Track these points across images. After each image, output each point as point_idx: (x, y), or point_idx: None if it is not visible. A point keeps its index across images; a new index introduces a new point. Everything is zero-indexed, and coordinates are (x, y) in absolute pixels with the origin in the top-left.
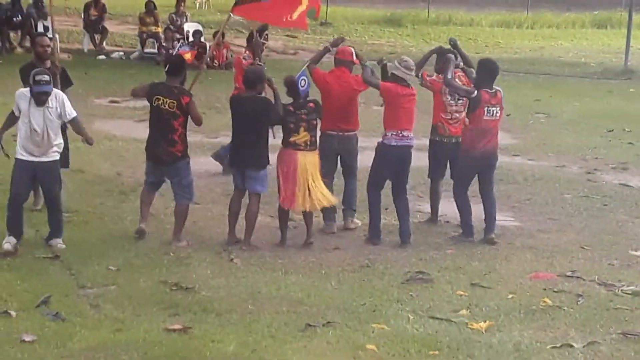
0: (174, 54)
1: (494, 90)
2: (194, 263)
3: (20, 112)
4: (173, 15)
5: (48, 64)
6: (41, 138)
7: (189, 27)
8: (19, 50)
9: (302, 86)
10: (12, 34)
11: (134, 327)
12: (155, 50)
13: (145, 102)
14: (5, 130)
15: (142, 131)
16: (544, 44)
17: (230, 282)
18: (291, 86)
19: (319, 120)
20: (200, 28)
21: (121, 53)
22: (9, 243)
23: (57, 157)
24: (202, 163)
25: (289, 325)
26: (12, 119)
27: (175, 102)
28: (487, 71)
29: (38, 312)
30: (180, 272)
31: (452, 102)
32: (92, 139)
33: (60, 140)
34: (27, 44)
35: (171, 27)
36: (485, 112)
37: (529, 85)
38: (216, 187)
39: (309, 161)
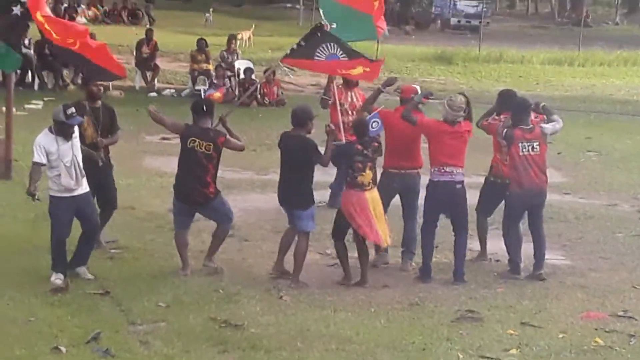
0: (203, 97)
1: (530, 127)
2: (243, 300)
3: (47, 157)
4: (224, 53)
5: (99, 103)
6: (74, 171)
7: (240, 64)
8: (71, 87)
9: (373, 128)
10: (65, 71)
11: None
12: (207, 88)
13: None
14: (35, 184)
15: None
16: (596, 82)
17: (280, 320)
18: (361, 127)
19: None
20: (251, 65)
21: (172, 90)
22: (59, 279)
23: (89, 188)
24: (252, 200)
25: None
26: (39, 171)
27: (211, 144)
28: (518, 108)
29: (88, 348)
30: (230, 309)
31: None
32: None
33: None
34: (80, 81)
35: (222, 64)
36: (520, 148)
37: (580, 123)
38: (265, 223)
39: (374, 198)
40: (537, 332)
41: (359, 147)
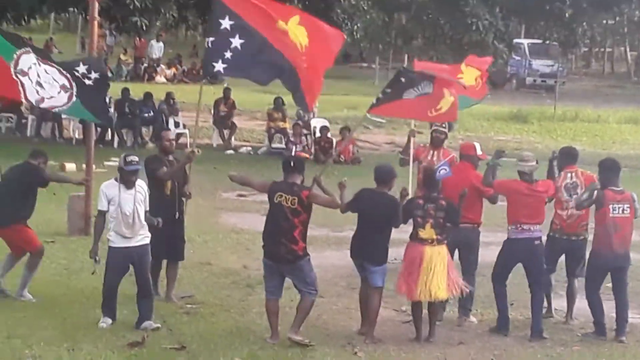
0: (293, 154)
1: (620, 189)
2: (317, 356)
3: (108, 204)
4: (300, 111)
5: (171, 157)
6: (132, 221)
7: (316, 122)
8: (150, 145)
9: (440, 174)
10: (144, 130)
11: None
12: (283, 146)
13: None
14: (98, 239)
15: None
16: None
17: None
18: (426, 177)
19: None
20: (327, 124)
21: (249, 148)
22: (104, 323)
23: (147, 241)
24: (327, 257)
25: None
26: (102, 222)
27: (296, 198)
28: (610, 170)
29: None
30: None
31: (567, 198)
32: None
33: (146, 226)
34: (154, 137)
35: (299, 122)
36: (611, 210)
37: None
38: (341, 280)
39: (435, 252)
40: None
41: (420, 201)
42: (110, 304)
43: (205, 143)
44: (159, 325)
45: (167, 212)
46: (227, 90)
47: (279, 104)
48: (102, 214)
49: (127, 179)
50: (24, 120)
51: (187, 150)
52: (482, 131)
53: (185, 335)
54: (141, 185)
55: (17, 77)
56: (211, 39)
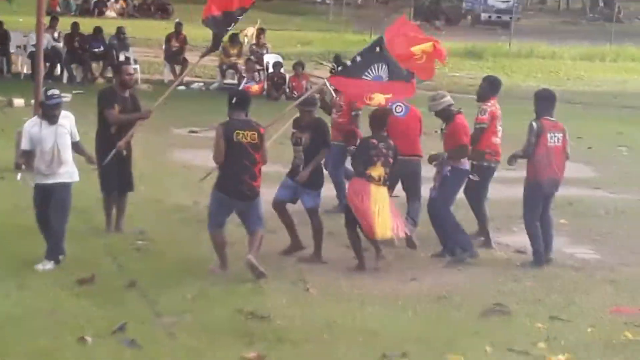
0: (240, 88)
1: (554, 119)
2: (269, 292)
3: (32, 143)
4: (254, 47)
5: (127, 93)
6: (51, 157)
7: (269, 58)
8: (100, 80)
9: (398, 112)
10: (94, 65)
11: (210, 356)
12: (236, 81)
13: None
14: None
15: None
16: (627, 77)
17: (306, 312)
18: (376, 120)
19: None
20: (280, 59)
21: (201, 84)
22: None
23: (68, 179)
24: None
25: (364, 356)
26: (25, 162)
27: (255, 133)
28: (547, 99)
29: (114, 339)
30: (256, 301)
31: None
32: (94, 159)
33: (71, 162)
34: (109, 74)
35: (252, 57)
36: (549, 138)
37: (611, 118)
38: (292, 216)
39: (380, 192)
40: (565, 326)
41: (374, 141)
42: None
43: (156, 78)
44: (51, 267)
45: (113, 148)
46: (178, 25)
47: (236, 39)
48: (25, 154)
49: (49, 114)
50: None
51: (145, 109)
52: (437, 67)
53: (136, 272)
54: (65, 118)
55: None
56: None
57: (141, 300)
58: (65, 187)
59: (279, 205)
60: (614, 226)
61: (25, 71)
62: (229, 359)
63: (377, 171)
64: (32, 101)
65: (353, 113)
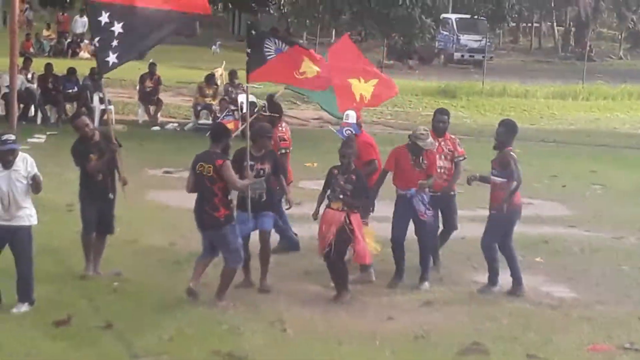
0: (217, 122)
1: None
2: (246, 333)
3: None
4: (229, 87)
5: (97, 137)
6: (7, 202)
7: (243, 98)
8: None
9: (344, 133)
10: (67, 106)
11: None
12: (210, 121)
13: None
14: None
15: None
16: (600, 116)
17: (283, 353)
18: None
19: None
20: (255, 99)
21: (175, 124)
22: None
23: (26, 222)
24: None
25: None
26: None
27: (211, 166)
28: (513, 131)
29: None
30: (233, 341)
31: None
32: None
33: (29, 205)
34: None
35: (226, 97)
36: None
37: (584, 156)
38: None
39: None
40: None
41: (335, 171)
42: None
43: (131, 119)
44: (26, 309)
45: (98, 193)
46: (152, 66)
47: (211, 79)
48: None
49: (3, 159)
50: None
51: (110, 145)
52: (410, 106)
53: (112, 313)
54: (22, 161)
55: None
56: (97, 38)
57: (118, 342)
58: (26, 229)
59: (246, 241)
60: (589, 264)
61: None
62: None
63: (336, 205)
64: None
65: (281, 151)
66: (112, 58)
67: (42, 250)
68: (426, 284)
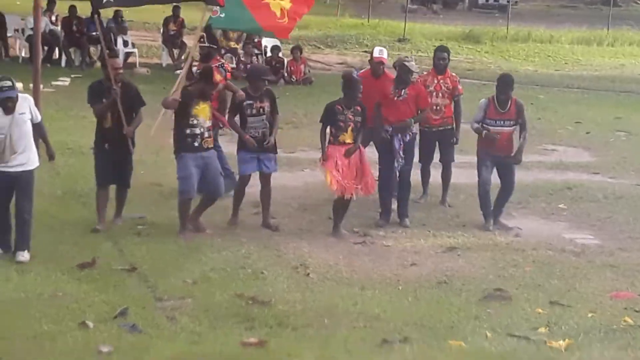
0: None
1: None
2: (269, 277)
3: None
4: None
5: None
6: (3, 146)
7: (267, 42)
8: (98, 64)
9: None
10: (92, 49)
11: (210, 340)
12: (234, 65)
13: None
14: None
15: (221, 144)
16: (625, 62)
17: (306, 297)
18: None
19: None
20: (279, 44)
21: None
22: None
23: (28, 167)
24: (279, 177)
25: (365, 341)
26: None
27: None
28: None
29: (115, 323)
30: (256, 286)
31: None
32: (54, 154)
33: (33, 149)
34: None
35: (250, 42)
36: None
37: (609, 102)
38: (292, 201)
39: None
40: (565, 311)
41: (339, 107)
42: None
43: (154, 63)
44: (26, 259)
45: (109, 140)
46: (176, 9)
47: None
48: None
49: (4, 105)
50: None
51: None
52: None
53: (136, 257)
54: (24, 103)
55: None
56: None
57: (142, 285)
58: (27, 173)
59: (246, 180)
60: (613, 211)
61: (23, 55)
62: (229, 343)
63: (348, 137)
64: (31, 85)
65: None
66: None
67: (66, 193)
68: (406, 221)
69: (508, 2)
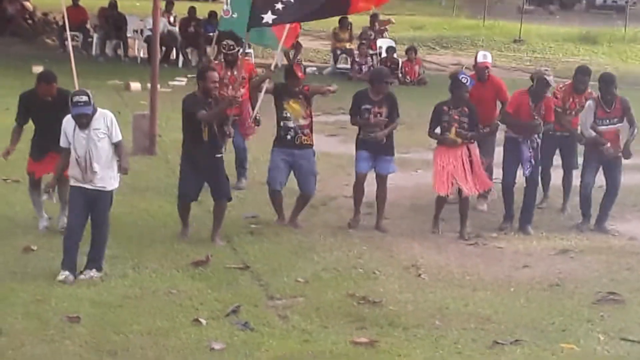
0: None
1: None
2: (381, 277)
3: (68, 141)
4: (368, 30)
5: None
6: (85, 165)
7: (382, 43)
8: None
9: (463, 82)
10: (208, 49)
11: (321, 339)
12: (348, 66)
13: (337, 117)
14: (58, 174)
15: (333, 146)
16: None
17: (418, 297)
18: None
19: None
20: (393, 44)
21: (314, 68)
22: (62, 276)
23: (108, 186)
24: (391, 178)
25: (476, 342)
26: (64, 159)
27: None
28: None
29: (228, 321)
30: (368, 285)
31: None
32: (128, 169)
33: (113, 169)
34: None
35: (364, 42)
36: None
37: None
38: (405, 201)
39: (459, 152)
40: None
41: (445, 108)
42: (70, 252)
43: (268, 63)
44: (100, 275)
45: (204, 154)
46: None
47: (345, 24)
48: (64, 151)
49: (77, 121)
50: (89, 39)
51: (229, 96)
52: (551, 52)
53: (249, 255)
54: (101, 119)
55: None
56: None
57: (254, 283)
58: (106, 192)
59: (361, 178)
60: None
61: (141, 55)
62: (340, 342)
63: (451, 135)
64: (149, 85)
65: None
66: (268, 17)
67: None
68: (529, 228)
69: (626, 2)
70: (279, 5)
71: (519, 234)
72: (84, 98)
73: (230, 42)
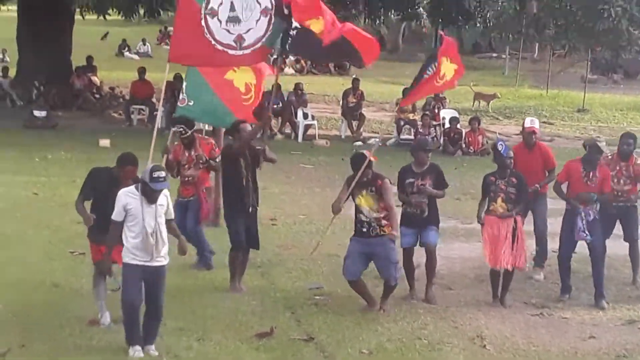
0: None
1: None
2: (445, 348)
3: (125, 214)
4: (431, 101)
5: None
6: (155, 240)
7: (446, 113)
8: (279, 136)
9: (499, 149)
10: (272, 121)
11: None
12: (412, 137)
13: None
14: (115, 242)
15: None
16: None
17: None
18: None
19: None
20: (457, 114)
21: (378, 139)
22: (137, 351)
23: (165, 262)
24: (456, 248)
25: None
26: (117, 233)
27: None
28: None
29: None
30: (432, 357)
31: None
32: (187, 251)
33: (167, 245)
34: (287, 130)
35: (428, 113)
36: None
37: None
38: (469, 272)
39: (505, 224)
40: None
41: (492, 178)
42: (134, 328)
43: (333, 134)
44: (156, 354)
45: (242, 206)
46: (355, 81)
47: (356, 82)
48: (117, 225)
49: (149, 195)
50: (155, 113)
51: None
52: (615, 122)
53: (314, 327)
54: (162, 195)
55: (205, 21)
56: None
57: (319, 355)
58: (163, 269)
59: (408, 253)
60: None
61: (206, 128)
62: None
63: (498, 206)
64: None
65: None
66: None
67: (249, 265)
68: (603, 302)
69: None
70: (292, 32)
71: (583, 304)
72: (163, 174)
73: (181, 127)
